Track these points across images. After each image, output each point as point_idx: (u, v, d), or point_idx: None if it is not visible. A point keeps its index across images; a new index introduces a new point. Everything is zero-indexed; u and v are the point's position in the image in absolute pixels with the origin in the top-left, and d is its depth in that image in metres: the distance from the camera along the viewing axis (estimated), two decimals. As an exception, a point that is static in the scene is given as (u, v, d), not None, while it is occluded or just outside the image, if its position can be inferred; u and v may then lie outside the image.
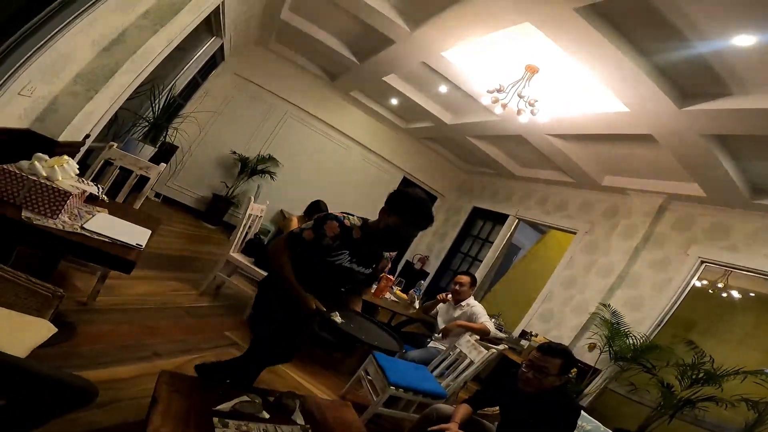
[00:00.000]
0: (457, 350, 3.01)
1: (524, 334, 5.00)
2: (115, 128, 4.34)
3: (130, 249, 1.67)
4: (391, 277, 4.20)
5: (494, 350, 2.98)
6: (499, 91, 3.62)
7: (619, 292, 4.65)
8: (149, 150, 4.33)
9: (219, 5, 3.68)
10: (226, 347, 2.77)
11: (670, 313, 4.26)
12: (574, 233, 5.60)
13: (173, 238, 4.88)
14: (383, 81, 5.38)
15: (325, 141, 7.22)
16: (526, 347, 4.57)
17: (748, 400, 3.36)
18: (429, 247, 7.94)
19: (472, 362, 2.84)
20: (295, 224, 3.61)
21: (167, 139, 5.08)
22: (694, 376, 3.62)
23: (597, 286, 4.80)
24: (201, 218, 6.41)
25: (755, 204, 3.76)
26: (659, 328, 4.26)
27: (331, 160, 7.29)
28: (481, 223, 7.28)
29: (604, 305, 4.51)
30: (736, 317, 4.83)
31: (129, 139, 4.40)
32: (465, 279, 3.63)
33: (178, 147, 5.89)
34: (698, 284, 4.38)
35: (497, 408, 2.20)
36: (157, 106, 4.50)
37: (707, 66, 2.65)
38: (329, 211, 1.83)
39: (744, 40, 2.35)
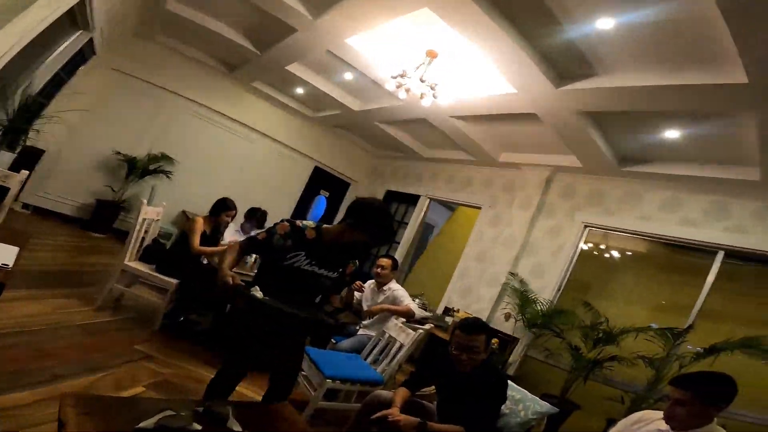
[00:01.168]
0: (387, 335, 3.07)
1: (447, 311, 5.35)
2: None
3: (-6, 270, 1.54)
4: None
5: (421, 331, 3.09)
6: (402, 76, 3.76)
7: (523, 261, 5.18)
8: (7, 156, 3.82)
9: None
10: (140, 361, 2.62)
11: (566, 277, 4.86)
12: (480, 208, 6.09)
13: (54, 252, 4.39)
14: (287, 70, 5.27)
15: (228, 135, 6.87)
16: (451, 323, 4.89)
17: (645, 357, 3.73)
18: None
19: (402, 345, 2.91)
20: (200, 225, 3.45)
21: (28, 143, 4.46)
22: (594, 337, 4.01)
23: (505, 257, 5.28)
24: (86, 228, 5.76)
25: (623, 171, 4.45)
26: (559, 292, 4.82)
27: (236, 155, 6.97)
28: (396, 205, 7.55)
29: (513, 274, 5.00)
30: (619, 276, 5.35)
31: (-22, 146, 3.79)
32: (386, 262, 3.67)
33: (44, 151, 5.19)
34: (585, 247, 5.03)
35: (434, 387, 2.30)
36: (11, 107, 3.92)
37: (577, 49, 3.00)
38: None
39: (605, 23, 2.66)
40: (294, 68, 5.23)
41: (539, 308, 4.53)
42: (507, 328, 4.73)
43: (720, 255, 3.95)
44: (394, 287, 3.64)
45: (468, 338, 2.03)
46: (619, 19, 2.59)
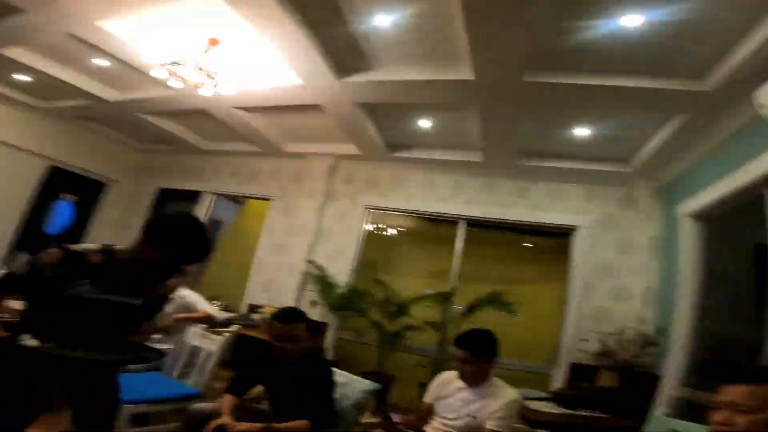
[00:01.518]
0: (188, 345, 2.88)
1: (253, 308, 5.21)
2: None
3: None
4: None
5: (228, 334, 2.96)
6: (175, 64, 3.42)
7: (319, 248, 5.47)
8: None
9: None
10: None
11: (358, 258, 5.39)
12: (269, 200, 6.11)
13: None
14: (2, 55, 4.09)
15: None
16: (259, 320, 4.77)
17: (430, 322, 4.43)
18: (111, 240, 6.65)
19: (210, 352, 2.77)
20: None
21: None
22: (390, 310, 4.50)
23: (300, 246, 5.47)
24: None
25: (391, 157, 5.22)
26: (354, 273, 5.29)
27: None
28: (174, 205, 6.78)
29: (310, 262, 5.22)
30: (398, 252, 5.98)
31: None
32: None
33: None
34: (370, 228, 5.68)
35: (261, 388, 2.26)
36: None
37: (358, 43, 3.26)
38: None
39: (382, 20, 2.87)
40: (15, 53, 4.12)
41: (340, 292, 4.89)
42: (316, 315, 4.92)
43: (463, 224, 5.14)
44: (185, 293, 3.38)
45: (286, 328, 2.07)
46: (392, 16, 2.88)
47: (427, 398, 2.24)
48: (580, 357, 4.11)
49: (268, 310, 4.94)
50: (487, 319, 4.17)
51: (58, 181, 6.42)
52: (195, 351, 2.83)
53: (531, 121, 3.88)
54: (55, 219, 6.56)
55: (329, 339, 4.96)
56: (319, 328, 4.86)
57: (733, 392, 1.16)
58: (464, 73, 3.23)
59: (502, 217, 4.99)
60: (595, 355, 3.88)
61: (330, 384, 2.13)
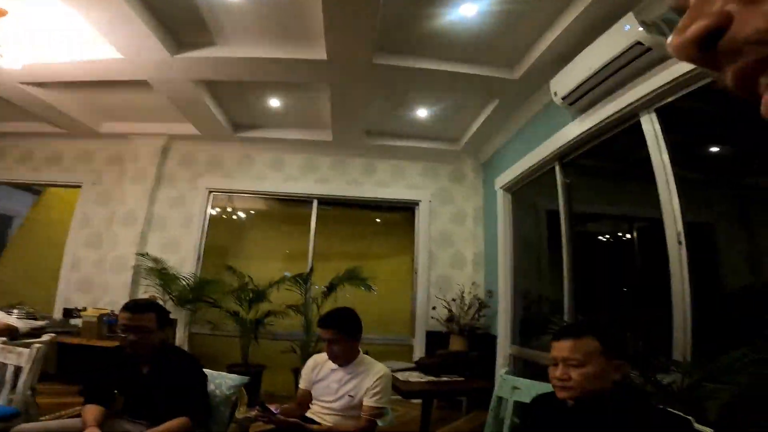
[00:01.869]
0: None
1: (69, 313, 4.34)
2: None
3: None
4: None
5: (39, 345, 2.48)
6: None
7: (152, 238, 4.87)
8: None
9: None
10: None
11: (203, 245, 4.97)
12: (80, 186, 5.11)
13: None
14: None
15: None
16: (83, 325, 4.01)
17: (292, 306, 4.32)
18: None
19: (20, 367, 2.28)
20: None
21: None
22: (247, 298, 4.28)
23: (128, 237, 4.79)
24: None
25: (237, 137, 4.88)
26: (200, 262, 4.88)
27: None
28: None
29: (142, 255, 4.61)
30: (250, 235, 5.70)
31: None
32: None
33: None
34: (214, 212, 5.26)
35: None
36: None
37: (198, 15, 2.96)
38: None
39: None
40: None
41: (185, 283, 4.49)
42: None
43: (315, 203, 5.17)
44: None
45: (134, 318, 1.91)
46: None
47: (302, 384, 2.24)
48: (433, 325, 4.55)
49: (91, 313, 4.20)
50: (347, 296, 4.35)
51: None
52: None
53: (378, 101, 4.08)
54: None
55: (179, 335, 4.55)
56: (169, 320, 4.36)
57: (562, 347, 1.29)
58: (317, 52, 3.21)
59: (351, 195, 5.18)
60: (444, 321, 4.34)
61: (201, 375, 2.01)
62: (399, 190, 5.21)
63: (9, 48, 2.87)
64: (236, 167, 5.18)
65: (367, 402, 2.03)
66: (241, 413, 2.27)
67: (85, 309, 4.38)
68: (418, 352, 4.67)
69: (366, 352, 2.24)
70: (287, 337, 4.50)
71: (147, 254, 4.63)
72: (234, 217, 5.68)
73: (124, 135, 4.94)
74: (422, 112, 4.34)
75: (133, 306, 1.96)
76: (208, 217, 5.09)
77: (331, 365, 2.16)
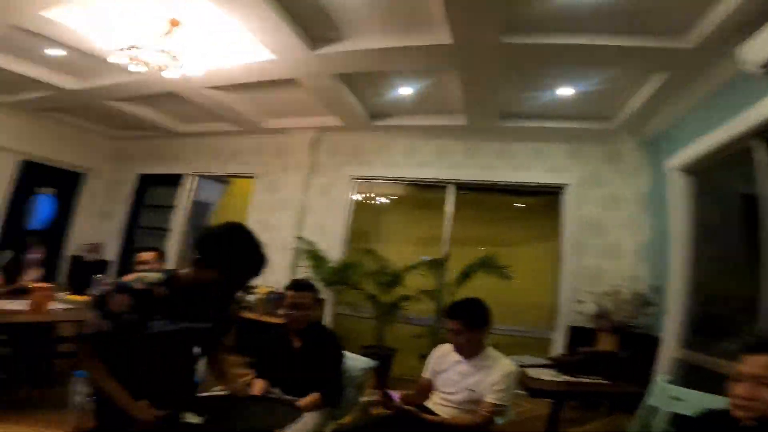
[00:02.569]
0: None
1: (247, 289, 5.21)
2: None
3: None
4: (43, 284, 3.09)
5: None
6: (133, 48, 3.24)
7: (307, 223, 5.46)
8: None
9: None
10: None
11: (348, 229, 5.37)
12: (253, 177, 6.04)
13: None
14: None
15: None
16: (255, 301, 4.81)
17: (426, 290, 4.35)
18: (95, 230, 6.71)
19: None
20: None
21: None
22: (384, 281, 4.41)
23: (288, 222, 5.46)
24: None
25: (374, 126, 5.13)
26: (345, 246, 5.29)
27: None
28: (155, 189, 6.68)
29: (299, 237, 5.21)
30: (388, 220, 5.82)
31: None
32: (148, 256, 3.24)
33: None
34: (359, 197, 5.64)
35: None
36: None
37: (326, 12, 3.16)
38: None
39: None
40: None
41: (331, 265, 4.89)
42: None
43: (451, 188, 5.14)
44: None
45: (298, 295, 2.19)
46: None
47: (426, 373, 2.24)
48: (578, 319, 4.13)
49: (262, 290, 4.97)
50: (482, 284, 4.20)
51: (33, 176, 6.24)
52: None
53: (512, 82, 3.82)
54: (35, 214, 6.42)
55: (327, 314, 5.03)
56: (321, 300, 4.88)
57: (758, 363, 1.08)
58: (441, 37, 3.14)
59: (487, 179, 5.00)
60: (592, 317, 3.88)
61: (340, 354, 2.20)
62: (540, 173, 4.82)
63: (188, 56, 3.52)
64: (374, 155, 5.46)
65: (489, 398, 1.96)
66: (366, 395, 2.40)
67: (257, 287, 5.15)
68: (558, 346, 4.33)
69: (494, 346, 2.17)
70: (419, 322, 4.59)
71: (302, 237, 5.20)
72: (375, 202, 5.99)
73: (283, 129, 5.65)
74: (565, 90, 3.91)
75: (296, 285, 2.24)
76: (352, 203, 5.50)
77: (456, 356, 2.12)
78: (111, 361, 1.37)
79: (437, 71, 3.85)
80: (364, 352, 4.29)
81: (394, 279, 4.53)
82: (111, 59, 3.39)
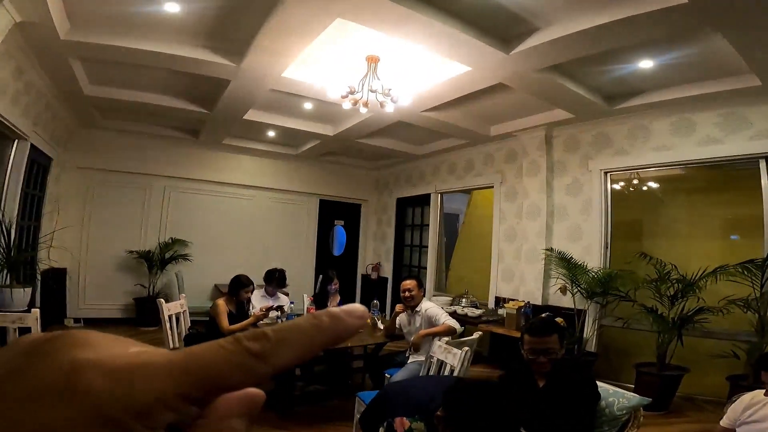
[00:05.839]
0: (434, 359, 2.96)
1: (498, 302, 5.20)
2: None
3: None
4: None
5: (466, 349, 2.86)
6: (351, 92, 3.64)
7: (556, 228, 4.96)
8: (21, 293, 3.90)
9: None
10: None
11: (608, 232, 4.58)
12: (492, 187, 5.91)
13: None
14: (246, 120, 5.30)
15: (225, 200, 7.04)
16: (504, 315, 4.72)
17: (735, 300, 3.32)
18: (375, 253, 8.07)
19: (453, 367, 2.77)
20: (223, 308, 3.50)
21: (39, 269, 4.68)
22: (668, 293, 3.62)
23: (534, 228, 5.09)
24: (137, 324, 6.05)
25: (616, 109, 4.17)
26: (608, 249, 4.54)
27: (240, 217, 7.13)
28: (411, 210, 7.48)
29: (548, 250, 4.74)
30: (665, 211, 4.95)
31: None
32: (410, 283, 3.54)
33: (65, 269, 5.59)
34: (617, 187, 4.74)
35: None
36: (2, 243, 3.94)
37: (506, 9, 2.86)
38: None
39: None
40: (252, 115, 5.25)
41: (593, 275, 4.22)
42: (566, 302, 4.48)
43: (763, 163, 3.61)
44: (426, 306, 3.55)
45: (540, 341, 1.97)
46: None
47: (724, 421, 1.97)
48: None
49: (511, 306, 4.77)
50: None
51: (328, 211, 8.04)
52: (441, 364, 2.91)
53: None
54: (337, 241, 8.26)
55: (588, 329, 4.34)
56: (570, 316, 4.27)
57: None
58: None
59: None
60: None
61: (594, 394, 1.91)
62: None
63: (396, 88, 3.69)
64: (628, 141, 4.42)
65: None
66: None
67: (508, 301, 4.98)
68: None
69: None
70: (726, 336, 3.54)
71: (552, 249, 4.72)
72: (642, 189, 4.88)
73: (510, 134, 5.31)
74: None
75: (537, 329, 2.03)
76: (609, 200, 4.63)
77: None
78: None
79: (682, 36, 2.83)
80: (640, 370, 3.52)
81: (684, 287, 3.55)
82: (344, 106, 3.83)
